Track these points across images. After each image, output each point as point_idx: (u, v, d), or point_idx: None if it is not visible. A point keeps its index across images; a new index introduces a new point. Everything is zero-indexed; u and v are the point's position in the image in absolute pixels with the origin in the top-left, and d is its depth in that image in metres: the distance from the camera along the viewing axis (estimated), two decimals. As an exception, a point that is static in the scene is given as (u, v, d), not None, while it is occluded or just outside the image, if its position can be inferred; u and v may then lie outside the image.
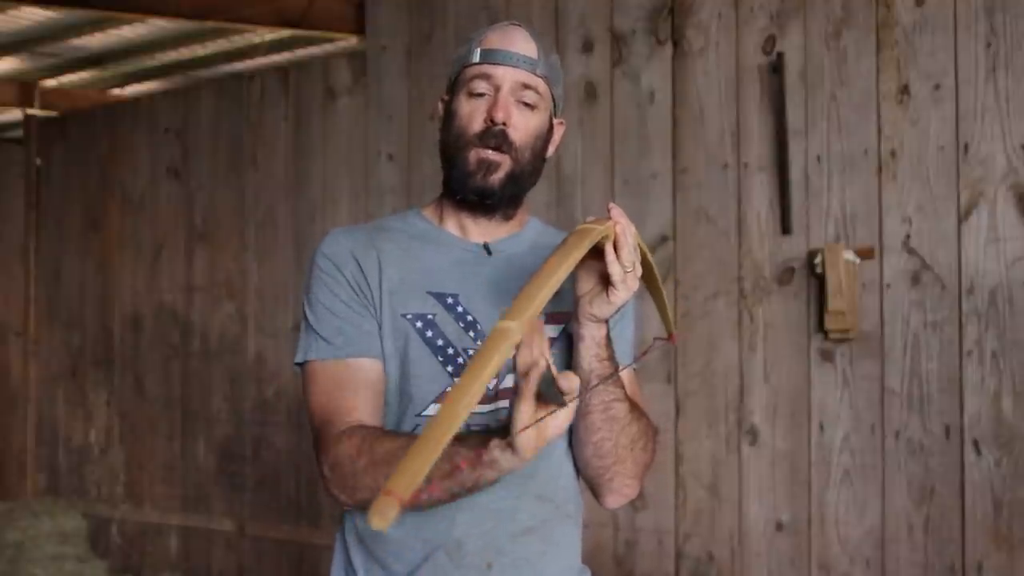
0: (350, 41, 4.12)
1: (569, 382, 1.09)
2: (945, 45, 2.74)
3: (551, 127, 1.47)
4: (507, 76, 1.40)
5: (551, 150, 1.49)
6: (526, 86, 1.40)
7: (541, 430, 1.11)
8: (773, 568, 2.94)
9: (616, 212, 1.23)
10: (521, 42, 1.41)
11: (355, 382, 1.37)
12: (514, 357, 1.14)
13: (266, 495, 4.24)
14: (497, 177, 1.40)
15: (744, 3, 3.05)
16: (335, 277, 1.41)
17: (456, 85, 1.44)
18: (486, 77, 1.40)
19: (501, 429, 1.19)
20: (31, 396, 5.18)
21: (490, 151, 1.39)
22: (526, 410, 1.10)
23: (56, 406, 5.09)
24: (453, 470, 1.20)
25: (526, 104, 1.41)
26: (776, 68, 2.96)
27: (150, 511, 4.64)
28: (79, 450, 4.97)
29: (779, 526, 2.94)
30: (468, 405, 0.89)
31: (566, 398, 1.09)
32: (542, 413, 1.10)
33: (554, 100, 1.46)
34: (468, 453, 1.19)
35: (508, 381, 1.40)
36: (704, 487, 3.07)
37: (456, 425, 0.87)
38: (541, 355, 1.11)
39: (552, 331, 1.42)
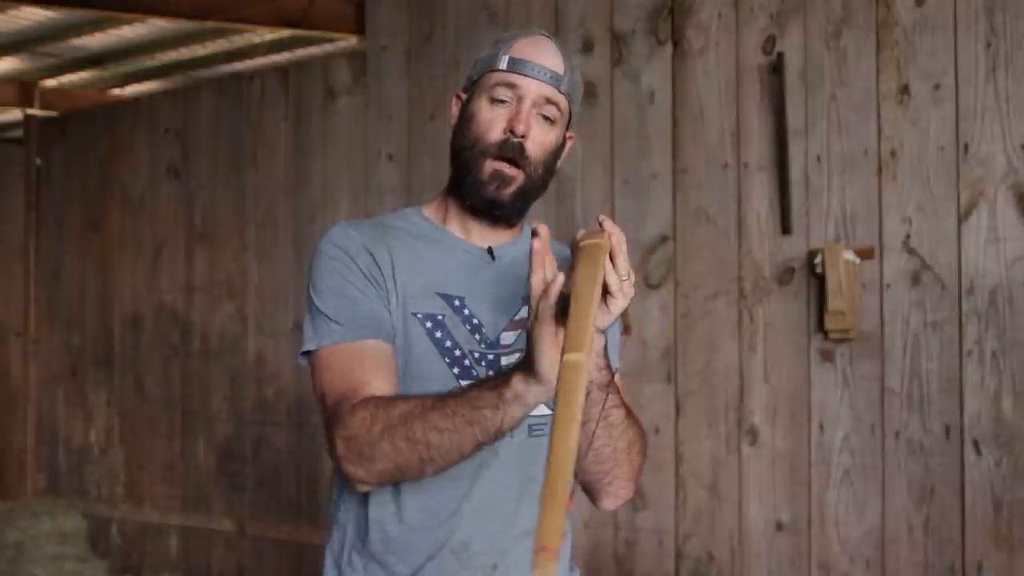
0: (350, 41, 4.12)
1: None
2: (945, 45, 2.74)
3: (564, 141, 1.47)
4: (531, 89, 1.39)
5: (559, 163, 1.48)
6: (549, 101, 1.40)
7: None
8: (773, 568, 2.94)
9: (608, 224, 1.22)
10: (550, 55, 1.40)
11: (369, 361, 1.35)
12: (527, 283, 1.14)
13: (266, 495, 4.24)
14: (509, 191, 1.40)
15: (744, 3, 3.05)
16: (348, 266, 1.40)
17: (477, 86, 1.43)
18: (510, 86, 1.39)
19: (520, 362, 1.18)
20: (31, 396, 5.18)
21: (506, 165, 1.39)
22: (547, 332, 1.07)
23: (56, 406, 5.09)
24: (476, 416, 1.19)
25: (546, 118, 1.40)
26: (776, 68, 2.96)
27: (150, 511, 4.64)
28: (79, 450, 4.97)
29: (779, 526, 2.94)
30: (576, 438, 0.91)
31: None
32: (562, 334, 1.06)
33: (571, 115, 1.46)
34: (489, 395, 1.18)
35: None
36: (704, 487, 3.07)
37: (573, 460, 0.89)
38: (556, 273, 1.09)
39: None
